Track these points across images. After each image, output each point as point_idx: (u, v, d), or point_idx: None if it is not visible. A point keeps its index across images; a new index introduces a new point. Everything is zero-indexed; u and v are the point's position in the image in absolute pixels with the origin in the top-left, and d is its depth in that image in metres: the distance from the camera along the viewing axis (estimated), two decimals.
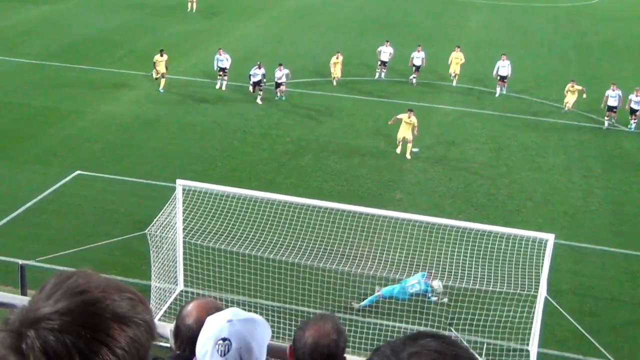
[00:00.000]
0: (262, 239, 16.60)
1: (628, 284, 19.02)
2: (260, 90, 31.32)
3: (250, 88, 31.83)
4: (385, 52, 35.87)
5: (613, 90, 30.30)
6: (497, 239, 16.64)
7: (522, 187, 24.48)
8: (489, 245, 16.76)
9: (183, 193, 16.16)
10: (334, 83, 34.05)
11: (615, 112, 30.20)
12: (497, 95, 33.83)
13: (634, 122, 30.36)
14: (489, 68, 35.60)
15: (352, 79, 35.07)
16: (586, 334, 14.85)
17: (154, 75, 32.44)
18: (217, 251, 16.09)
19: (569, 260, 19.75)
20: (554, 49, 43.98)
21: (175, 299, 16.07)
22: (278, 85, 31.64)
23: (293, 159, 25.61)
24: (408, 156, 25.98)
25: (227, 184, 20.32)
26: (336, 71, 34.16)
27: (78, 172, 23.34)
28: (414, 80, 35.06)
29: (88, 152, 25.27)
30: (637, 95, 30.27)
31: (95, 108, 29.73)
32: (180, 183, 16.14)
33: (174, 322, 4.14)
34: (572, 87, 31.65)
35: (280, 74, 31.34)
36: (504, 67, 33.72)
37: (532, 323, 15.44)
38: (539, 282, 15.17)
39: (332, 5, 52.72)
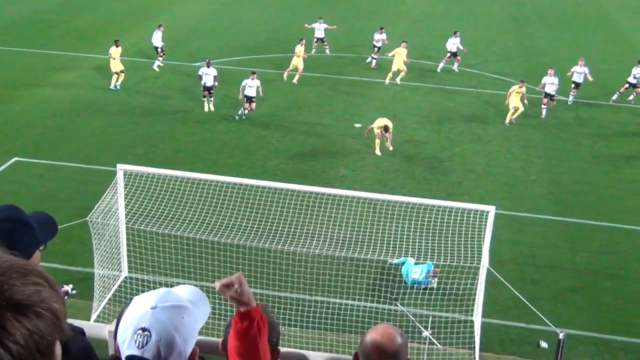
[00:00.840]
0: (206, 221, 16.53)
1: (567, 252, 19.52)
2: (211, 96, 27.53)
3: (203, 95, 27.65)
4: (320, 29, 35.82)
5: (550, 76, 29.14)
6: (440, 212, 16.91)
7: (464, 159, 24.83)
8: (432, 219, 17.02)
9: (124, 177, 15.96)
10: (295, 80, 30.93)
11: (553, 100, 29.24)
12: (439, 69, 34.09)
13: (572, 96, 30.48)
14: (429, 41, 35.90)
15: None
16: (527, 302, 15.23)
17: (114, 70, 29.60)
18: (161, 236, 15.97)
19: (510, 230, 20.16)
20: (492, 21, 44.47)
21: (120, 285, 15.94)
22: (249, 99, 26.69)
23: (236, 138, 25.46)
24: (378, 152, 24.56)
25: (170, 167, 20.15)
26: (298, 63, 31.16)
27: (15, 159, 22.83)
28: (373, 62, 34.20)
29: (25, 137, 24.70)
30: (580, 66, 30.27)
31: (32, 92, 29.06)
32: (121, 167, 15.93)
33: (114, 323, 4.08)
34: (520, 88, 27.99)
35: (253, 84, 26.65)
36: (454, 44, 34.14)
37: (475, 294, 15.78)
38: (481, 254, 15.47)
39: None
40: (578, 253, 19.49)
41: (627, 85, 31.00)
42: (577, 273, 18.65)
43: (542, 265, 18.82)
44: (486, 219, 15.16)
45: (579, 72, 30.22)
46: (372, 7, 46.31)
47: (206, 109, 27.44)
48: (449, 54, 34.20)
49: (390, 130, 24.56)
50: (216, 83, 27.60)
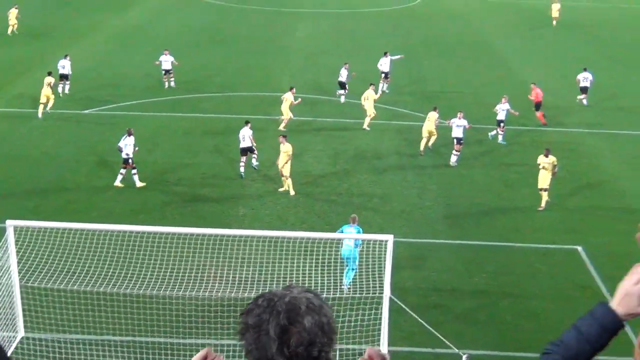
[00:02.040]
0: (104, 272, 16.13)
1: (465, 273, 20.06)
2: (133, 168, 24.67)
3: (122, 170, 24.64)
4: (167, 61, 36.00)
5: (460, 119, 27.71)
6: (341, 244, 17.09)
7: (361, 190, 25.23)
8: (333, 252, 17.20)
9: (15, 233, 15.40)
10: (282, 125, 30.07)
11: (461, 143, 27.63)
12: (380, 91, 35.24)
13: (501, 134, 30.15)
14: (321, 76, 36.46)
15: (187, 97, 34.84)
16: (430, 327, 15.52)
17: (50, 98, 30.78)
18: (58, 291, 15.47)
19: (410, 257, 20.55)
20: (380, 53, 45.52)
21: (17, 347, 15.29)
22: (244, 151, 25.90)
23: (132, 185, 24.97)
24: (292, 192, 24.41)
25: (64, 218, 19.62)
26: (286, 110, 30.29)
27: None
28: (342, 98, 34.44)
29: None
30: (503, 103, 30.10)
31: None
32: (11, 224, 15.36)
33: None
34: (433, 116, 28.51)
35: (244, 132, 25.98)
36: (385, 64, 36.40)
37: (380, 324, 15.95)
38: (383, 283, 15.69)
39: (157, 23, 52.21)
40: (476, 274, 20.06)
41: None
42: (476, 294, 19.17)
43: (443, 289, 19.25)
44: (385, 248, 15.40)
45: (502, 109, 30.13)
46: (264, 45, 46.62)
47: (118, 183, 24.63)
48: (382, 74, 36.11)
49: (286, 149, 24.41)
50: (136, 148, 24.98)
